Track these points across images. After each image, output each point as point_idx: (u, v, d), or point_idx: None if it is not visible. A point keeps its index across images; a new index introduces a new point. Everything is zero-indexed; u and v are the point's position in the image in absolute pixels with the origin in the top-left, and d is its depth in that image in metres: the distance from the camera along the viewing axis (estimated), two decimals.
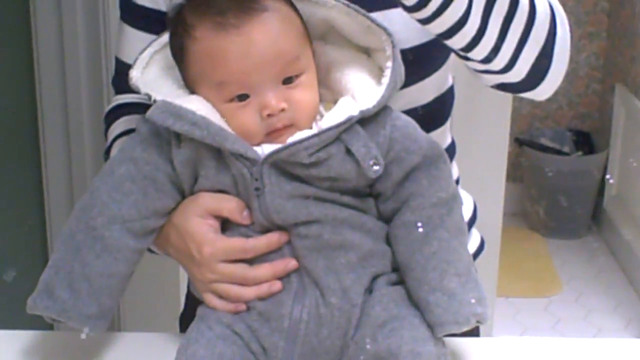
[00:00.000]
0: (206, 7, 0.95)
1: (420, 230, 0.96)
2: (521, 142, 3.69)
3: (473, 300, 0.94)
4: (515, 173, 3.63)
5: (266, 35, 0.94)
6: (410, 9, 0.91)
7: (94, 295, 0.98)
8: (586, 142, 3.72)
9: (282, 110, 0.95)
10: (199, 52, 0.96)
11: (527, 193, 3.71)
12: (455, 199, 0.99)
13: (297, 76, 0.96)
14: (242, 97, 0.96)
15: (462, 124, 2.02)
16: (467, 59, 1.00)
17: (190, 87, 0.99)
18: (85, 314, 0.98)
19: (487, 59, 0.98)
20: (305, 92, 0.97)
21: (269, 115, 0.95)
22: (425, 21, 0.93)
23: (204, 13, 0.95)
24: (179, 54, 0.99)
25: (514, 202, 3.57)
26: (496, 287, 2.34)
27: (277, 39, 0.95)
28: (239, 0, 0.94)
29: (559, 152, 3.66)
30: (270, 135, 0.96)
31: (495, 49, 0.97)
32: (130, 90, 1.02)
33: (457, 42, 0.96)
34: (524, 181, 3.71)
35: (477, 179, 1.50)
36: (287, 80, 0.96)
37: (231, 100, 0.96)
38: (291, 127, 0.96)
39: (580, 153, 3.67)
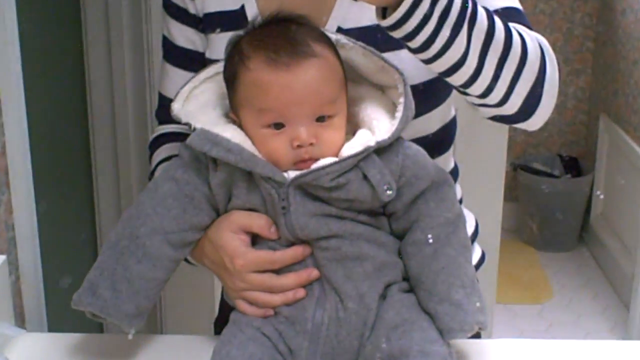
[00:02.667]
0: (263, 43, 0.95)
1: (431, 241, 0.96)
2: (516, 166, 3.66)
3: (476, 310, 0.94)
4: (511, 194, 3.60)
5: (311, 76, 0.94)
6: (415, 51, 0.92)
7: (132, 296, 0.97)
8: (574, 166, 3.68)
9: (311, 144, 0.94)
10: (248, 80, 0.96)
11: (522, 211, 3.67)
12: (460, 219, 0.98)
13: (329, 117, 0.95)
14: (278, 126, 0.95)
15: (464, 150, 2.00)
16: (466, 94, 0.99)
17: (234, 109, 0.99)
18: (123, 312, 0.97)
19: (484, 95, 0.97)
20: (333, 133, 0.96)
21: (298, 146, 0.94)
22: (428, 61, 0.93)
23: (260, 48, 0.95)
24: (231, 78, 0.98)
25: (510, 219, 3.53)
26: (495, 294, 2.31)
27: (320, 81, 0.94)
28: (293, 43, 0.94)
29: (550, 175, 3.62)
30: (297, 164, 0.95)
31: (491, 86, 0.96)
32: (171, 121, 1.03)
33: (457, 79, 0.95)
34: (519, 201, 3.67)
35: (478, 199, 1.48)
36: (320, 119, 0.95)
37: (268, 126, 0.95)
38: (316, 160, 0.95)
39: (569, 176, 3.63)
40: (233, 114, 1.00)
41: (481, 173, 2.15)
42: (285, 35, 0.95)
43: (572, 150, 3.80)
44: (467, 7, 0.90)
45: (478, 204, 1.37)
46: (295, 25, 0.96)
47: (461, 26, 0.90)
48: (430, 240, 0.96)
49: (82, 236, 2.02)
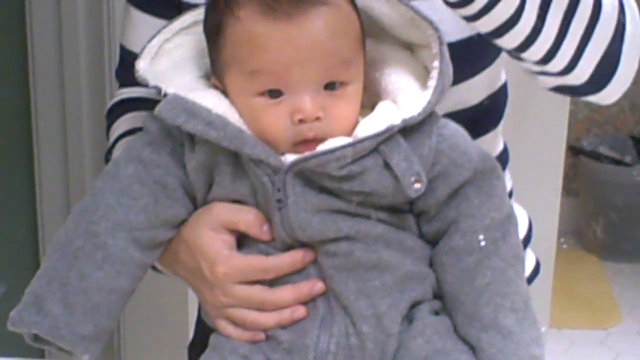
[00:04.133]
0: None
1: (483, 244, 0.95)
2: (577, 151, 3.66)
3: (531, 340, 0.94)
4: (569, 186, 3.59)
5: (320, 29, 0.93)
6: (453, 5, 0.91)
7: (90, 313, 0.97)
8: None
9: (317, 119, 0.94)
10: (238, 33, 0.95)
11: (582, 209, 3.69)
12: (511, 220, 0.98)
13: (342, 84, 0.96)
14: (275, 94, 0.95)
15: (513, 127, 1.99)
16: (521, 59, 0.99)
17: (217, 72, 0.99)
18: (79, 333, 0.97)
19: (544, 60, 0.97)
20: (347, 106, 0.96)
21: (300, 121, 0.94)
22: (471, 18, 0.92)
23: None
24: (214, 31, 0.98)
25: (567, 219, 3.52)
26: (548, 316, 2.30)
27: (331, 36, 0.94)
28: None
29: (619, 163, 3.64)
30: (297, 146, 0.95)
31: (554, 49, 0.96)
32: (136, 83, 1.02)
33: (509, 41, 0.95)
34: (579, 196, 3.68)
35: (528, 192, 1.48)
36: (330, 86, 0.95)
37: (261, 94, 0.95)
38: (322, 141, 0.95)
39: None
40: (215, 79, 1.00)
41: (533, 158, 2.15)
42: None
43: None
44: None
45: (529, 198, 1.37)
46: None
47: None
48: (483, 243, 0.95)
49: (19, 233, 2.00)
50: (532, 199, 1.48)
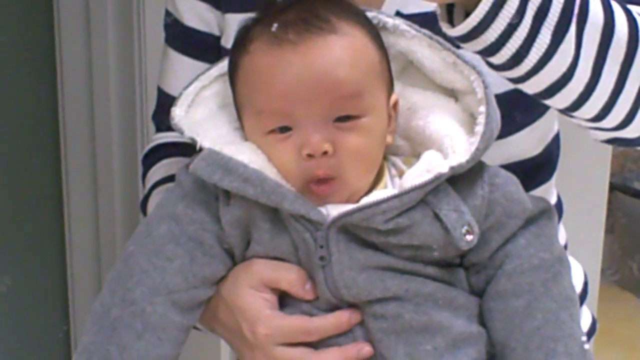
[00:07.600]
0: (272, 20, 0.94)
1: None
2: (613, 187, 3.62)
3: None
4: (605, 223, 3.56)
5: (325, 59, 0.92)
6: (499, 68, 0.89)
7: None
8: None
9: (325, 153, 0.92)
10: (247, 68, 0.95)
11: (618, 246, 3.69)
12: (562, 263, 0.96)
13: (356, 117, 0.93)
14: (284, 129, 0.94)
15: (559, 171, 1.98)
16: (572, 117, 0.96)
17: (239, 116, 0.99)
18: None
19: (599, 117, 0.94)
20: (360, 138, 0.93)
21: (308, 156, 0.92)
22: (518, 80, 0.90)
23: (268, 25, 0.94)
24: (232, 71, 0.98)
25: (604, 256, 3.51)
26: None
27: (338, 66, 0.92)
28: (308, 17, 0.93)
29: None
30: (311, 186, 0.93)
31: (609, 105, 0.93)
32: (172, 128, 1.02)
33: (560, 101, 0.92)
34: (614, 232, 3.67)
35: (573, 233, 1.44)
36: (343, 119, 0.93)
37: (272, 131, 0.94)
38: (334, 181, 0.93)
39: None
40: (240, 123, 1.00)
41: (575, 197, 2.09)
42: (300, 9, 0.94)
43: None
44: None
45: (573, 240, 1.34)
46: (325, 2, 0.95)
47: (567, 26, 0.86)
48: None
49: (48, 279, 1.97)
50: (576, 240, 1.45)
